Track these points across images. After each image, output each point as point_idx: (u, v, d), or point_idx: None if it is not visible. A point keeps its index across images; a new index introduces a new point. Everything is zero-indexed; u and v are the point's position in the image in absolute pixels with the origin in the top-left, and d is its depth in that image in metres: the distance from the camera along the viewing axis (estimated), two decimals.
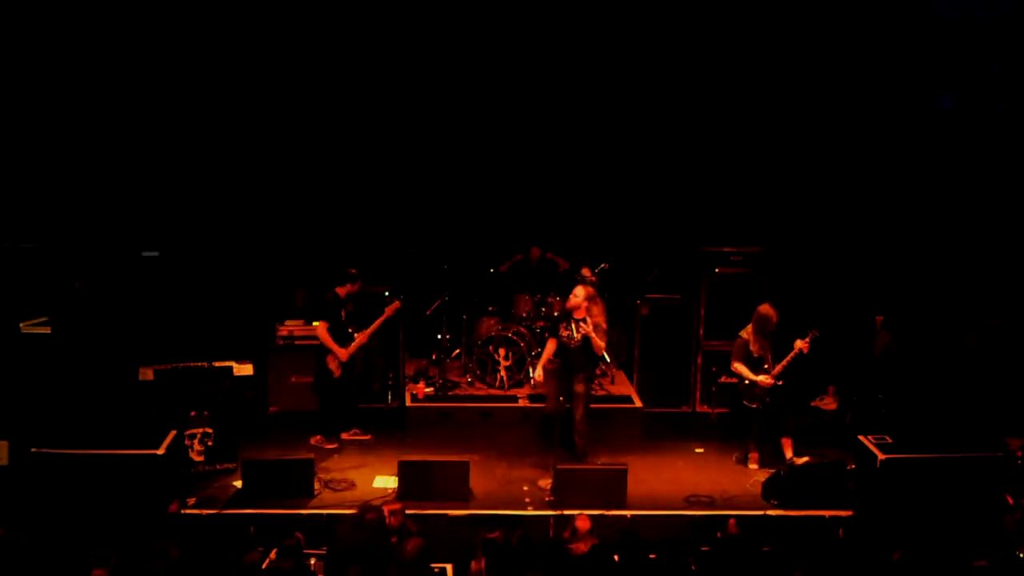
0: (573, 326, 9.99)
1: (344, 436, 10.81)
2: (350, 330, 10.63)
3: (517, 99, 12.80)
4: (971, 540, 8.51)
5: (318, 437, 10.67)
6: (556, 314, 10.93)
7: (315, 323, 10.68)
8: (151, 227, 12.61)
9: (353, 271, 10.64)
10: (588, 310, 9.97)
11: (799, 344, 9.91)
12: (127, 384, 10.26)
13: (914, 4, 12.54)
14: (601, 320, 10.04)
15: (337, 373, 10.56)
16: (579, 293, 10.02)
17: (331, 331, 10.47)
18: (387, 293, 11.63)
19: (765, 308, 10.07)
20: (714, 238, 12.07)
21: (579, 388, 10.07)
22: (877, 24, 12.19)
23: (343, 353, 10.53)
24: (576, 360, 10.04)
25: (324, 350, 10.55)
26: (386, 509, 8.07)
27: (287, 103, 12.60)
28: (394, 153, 12.87)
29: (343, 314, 10.60)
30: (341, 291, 10.57)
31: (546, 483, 9.68)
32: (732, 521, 8.08)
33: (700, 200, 12.88)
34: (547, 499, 9.45)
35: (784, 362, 9.97)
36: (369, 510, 7.89)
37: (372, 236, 12.91)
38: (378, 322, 10.74)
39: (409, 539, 7.41)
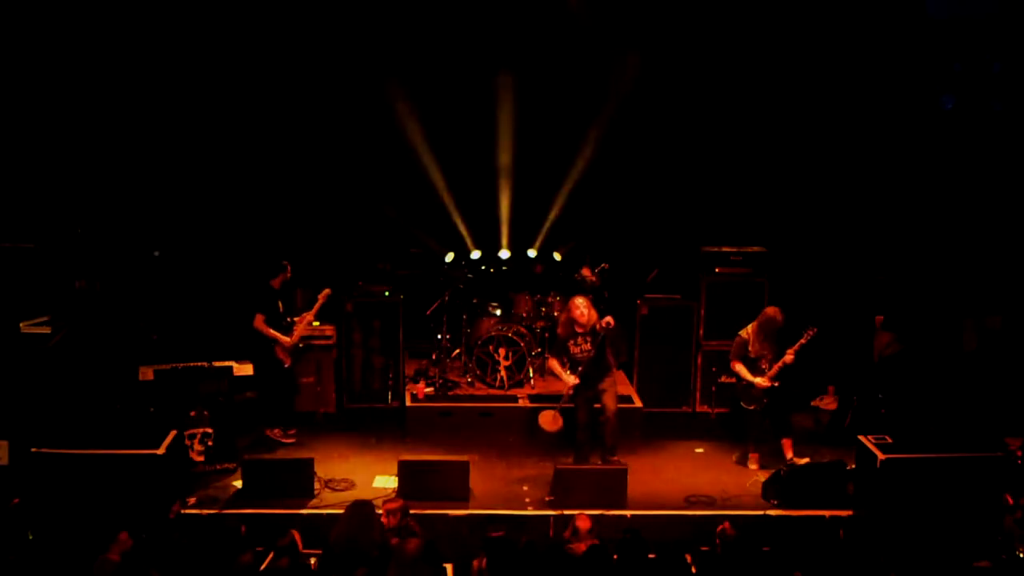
0: (581, 340, 9.94)
1: (267, 432, 10.77)
2: (288, 319, 10.67)
3: (515, 98, 12.81)
4: (971, 540, 8.51)
5: (276, 430, 10.67)
6: (560, 335, 10.23)
7: (256, 316, 10.57)
8: (152, 227, 12.62)
9: (284, 262, 10.65)
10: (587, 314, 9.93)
11: (794, 348, 9.89)
12: (127, 384, 10.28)
13: (907, 4, 12.54)
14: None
15: (288, 362, 10.61)
16: (580, 303, 9.92)
17: (268, 322, 10.49)
18: (387, 293, 11.65)
19: (772, 311, 10.04)
20: (714, 238, 12.06)
21: (610, 386, 10.03)
22: (874, 23, 12.17)
23: (287, 340, 10.56)
24: (596, 365, 9.96)
25: (266, 343, 10.54)
26: (384, 507, 8.06)
27: (286, 104, 12.59)
28: (393, 152, 12.87)
29: (280, 305, 10.63)
30: (275, 283, 10.61)
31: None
32: (727, 524, 8.04)
33: (700, 200, 12.87)
34: (546, 499, 9.47)
35: (780, 363, 9.93)
36: (358, 503, 7.88)
37: (373, 236, 12.91)
38: (315, 308, 10.74)
39: (409, 538, 7.39)
